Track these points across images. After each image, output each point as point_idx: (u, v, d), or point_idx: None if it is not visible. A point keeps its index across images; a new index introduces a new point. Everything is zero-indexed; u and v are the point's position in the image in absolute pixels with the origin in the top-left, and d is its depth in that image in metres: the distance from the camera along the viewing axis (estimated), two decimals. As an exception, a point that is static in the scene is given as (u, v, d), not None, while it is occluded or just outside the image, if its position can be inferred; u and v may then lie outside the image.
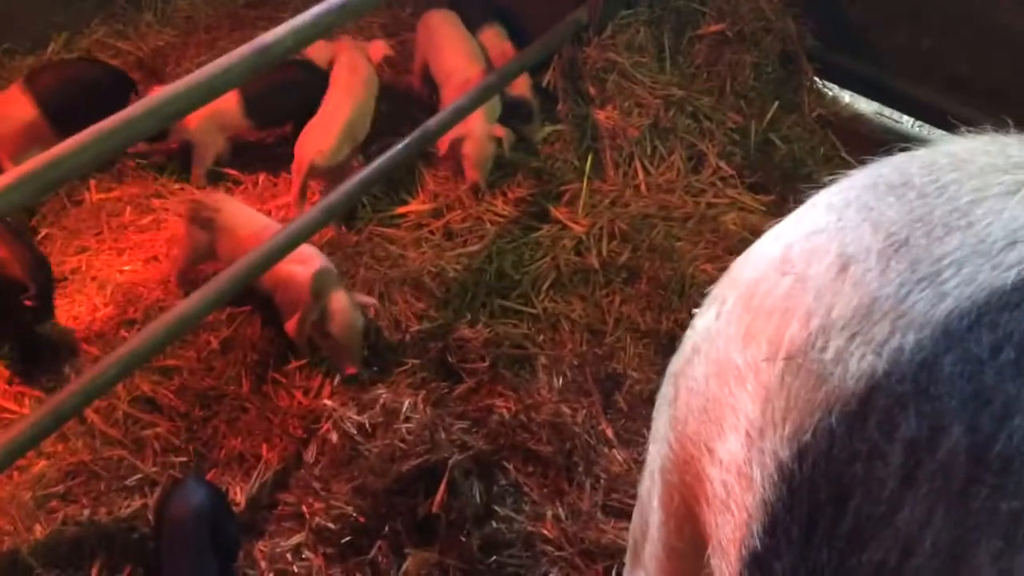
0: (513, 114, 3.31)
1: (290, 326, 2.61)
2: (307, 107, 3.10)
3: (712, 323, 1.15)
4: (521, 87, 3.34)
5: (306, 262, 2.62)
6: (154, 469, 2.41)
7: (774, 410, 1.00)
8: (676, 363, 1.23)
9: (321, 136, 2.97)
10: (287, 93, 3.23)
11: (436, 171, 3.24)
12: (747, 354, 1.05)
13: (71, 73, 3.18)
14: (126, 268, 2.97)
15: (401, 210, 3.12)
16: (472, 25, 3.52)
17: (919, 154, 1.09)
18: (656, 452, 1.29)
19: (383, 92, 3.30)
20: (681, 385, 1.20)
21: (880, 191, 1.05)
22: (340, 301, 2.57)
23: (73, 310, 2.80)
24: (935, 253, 0.94)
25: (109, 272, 2.94)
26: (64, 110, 2.94)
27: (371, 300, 2.70)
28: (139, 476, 2.39)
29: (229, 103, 3.07)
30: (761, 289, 1.08)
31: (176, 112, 1.87)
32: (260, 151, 3.36)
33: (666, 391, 1.25)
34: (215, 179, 3.24)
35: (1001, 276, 0.90)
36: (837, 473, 0.92)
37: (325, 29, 2.13)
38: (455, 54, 3.31)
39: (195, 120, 2.99)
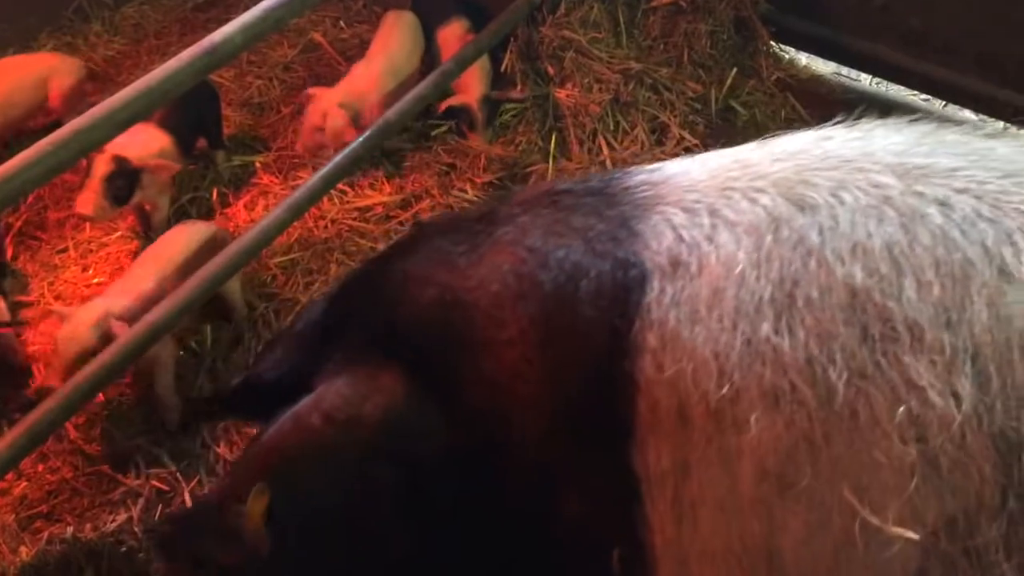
0: (456, 118, 3.29)
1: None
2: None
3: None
4: (469, 94, 3.28)
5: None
6: (137, 482, 2.39)
7: None
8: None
9: None
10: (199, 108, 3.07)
11: (400, 161, 3.21)
12: None
13: None
14: (93, 282, 2.93)
15: (368, 202, 3.10)
16: (436, 19, 3.49)
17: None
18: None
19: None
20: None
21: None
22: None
23: (42, 329, 2.76)
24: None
25: (75, 288, 2.90)
26: None
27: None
28: (123, 489, 2.37)
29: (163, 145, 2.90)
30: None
31: (130, 118, 1.82)
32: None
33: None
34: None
35: None
36: None
37: (275, 23, 2.08)
38: (371, 61, 3.29)
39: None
